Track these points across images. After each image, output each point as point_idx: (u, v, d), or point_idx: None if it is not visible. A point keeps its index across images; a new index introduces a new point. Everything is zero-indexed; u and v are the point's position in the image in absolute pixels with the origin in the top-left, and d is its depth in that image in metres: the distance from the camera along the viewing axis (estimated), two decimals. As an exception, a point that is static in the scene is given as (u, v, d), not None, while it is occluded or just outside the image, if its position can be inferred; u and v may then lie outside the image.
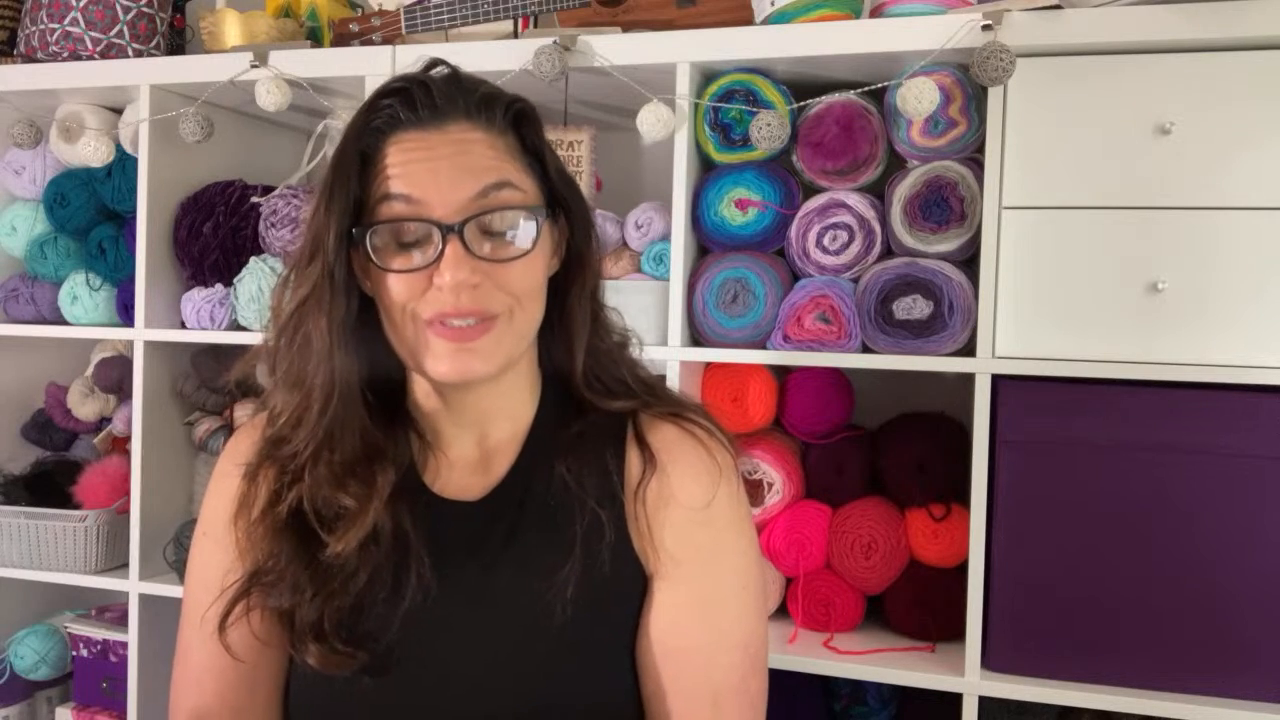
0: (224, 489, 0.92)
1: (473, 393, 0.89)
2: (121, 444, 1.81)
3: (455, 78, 0.87)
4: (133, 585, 1.64)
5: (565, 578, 0.85)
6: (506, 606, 0.87)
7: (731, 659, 0.88)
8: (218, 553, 0.91)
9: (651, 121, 1.37)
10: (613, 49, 1.39)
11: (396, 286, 0.83)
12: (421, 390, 0.92)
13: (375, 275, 0.85)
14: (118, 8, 1.64)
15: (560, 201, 0.90)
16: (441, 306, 0.82)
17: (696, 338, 1.45)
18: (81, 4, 1.62)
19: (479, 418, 0.92)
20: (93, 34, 1.63)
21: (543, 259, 0.87)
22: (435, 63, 0.89)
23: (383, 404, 0.90)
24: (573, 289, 0.91)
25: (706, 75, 1.43)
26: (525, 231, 0.84)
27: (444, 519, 0.89)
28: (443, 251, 0.81)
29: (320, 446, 0.85)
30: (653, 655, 0.88)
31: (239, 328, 1.63)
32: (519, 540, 0.88)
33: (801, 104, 1.39)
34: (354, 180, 0.84)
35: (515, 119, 0.87)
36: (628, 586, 0.89)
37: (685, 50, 1.38)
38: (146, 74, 1.60)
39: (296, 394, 0.87)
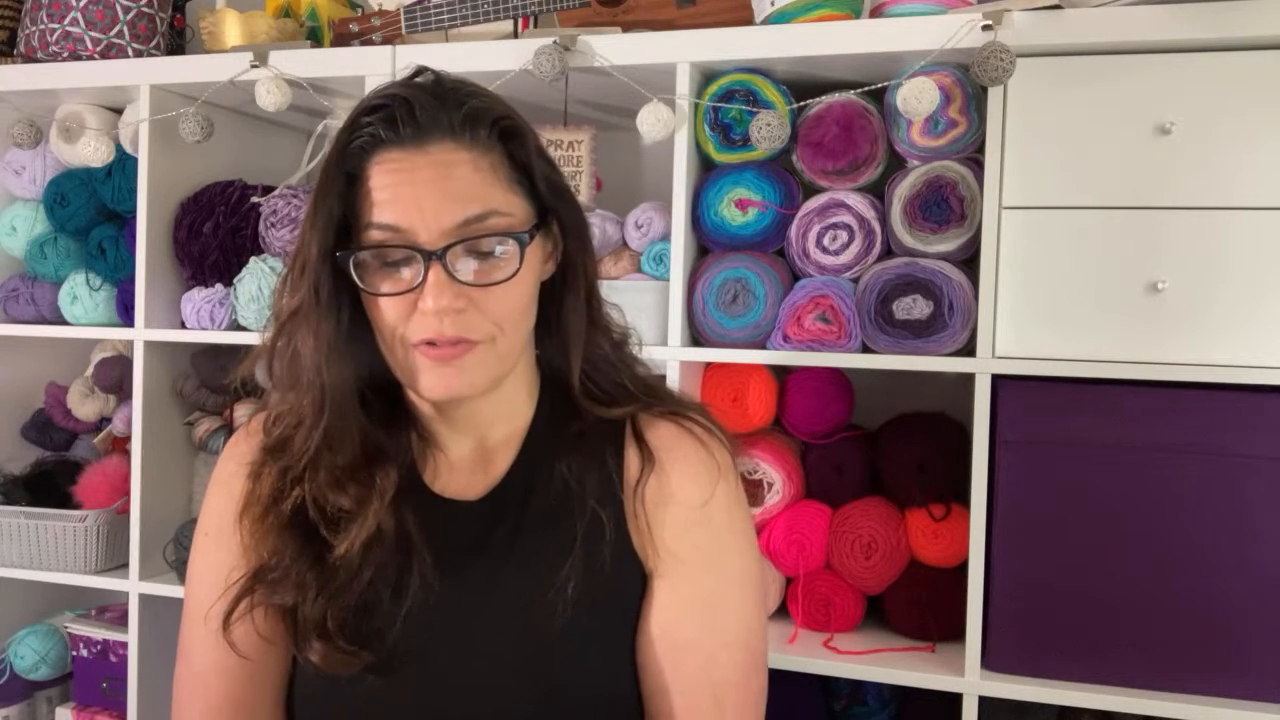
0: (227, 489, 0.92)
1: (466, 404, 0.89)
2: (121, 444, 1.81)
3: (439, 90, 0.85)
4: (133, 585, 1.64)
5: (566, 576, 0.86)
6: (508, 605, 0.87)
7: (732, 656, 0.88)
8: (220, 552, 0.91)
9: (651, 121, 1.37)
10: (613, 49, 1.39)
11: (383, 310, 0.83)
12: (416, 394, 0.92)
13: (364, 293, 0.85)
14: (118, 8, 1.64)
15: (551, 213, 0.89)
16: (426, 332, 0.82)
17: (696, 338, 1.45)
18: (81, 4, 1.62)
19: (475, 424, 0.92)
20: (93, 34, 1.63)
21: (528, 280, 0.86)
22: (420, 71, 0.87)
23: (383, 401, 0.90)
24: (567, 295, 0.91)
25: (706, 75, 1.43)
26: (509, 256, 0.84)
27: (445, 518, 0.89)
28: (425, 277, 0.81)
29: (319, 452, 0.86)
30: (654, 653, 0.89)
31: (239, 328, 1.63)
32: (520, 539, 0.89)
33: (801, 104, 1.39)
34: (337, 200, 0.83)
35: (501, 135, 0.85)
36: (628, 585, 0.90)
37: (685, 50, 1.38)
38: (146, 74, 1.60)
39: (291, 399, 0.88)
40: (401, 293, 0.82)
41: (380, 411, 0.89)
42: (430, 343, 0.83)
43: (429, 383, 0.84)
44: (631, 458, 0.91)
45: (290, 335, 0.86)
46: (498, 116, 0.86)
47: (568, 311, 0.91)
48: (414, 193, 0.81)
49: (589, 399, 0.92)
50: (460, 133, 0.83)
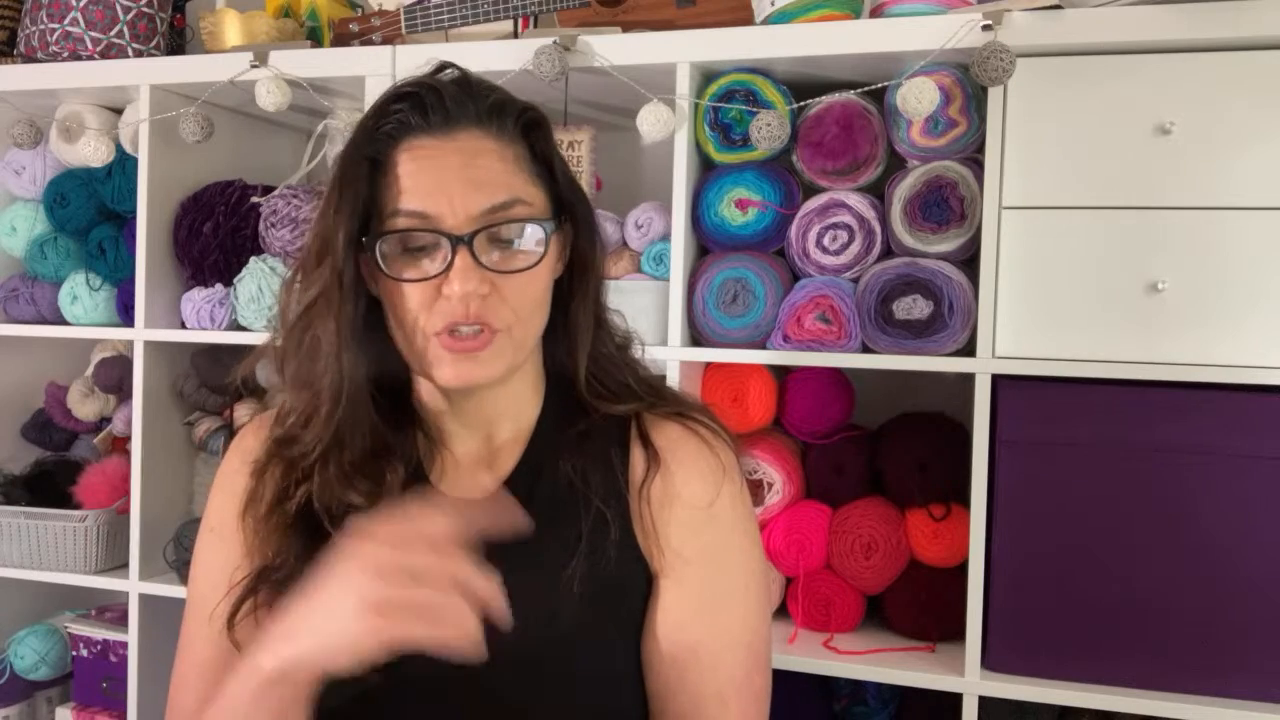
0: (231, 485, 0.93)
1: (476, 396, 0.90)
2: (121, 444, 1.81)
3: (466, 82, 0.87)
4: (133, 585, 1.64)
5: (571, 575, 0.86)
6: (513, 604, 0.87)
7: (737, 657, 0.89)
8: (224, 549, 0.91)
9: (651, 121, 1.37)
10: (613, 49, 1.39)
11: (406, 297, 0.84)
12: (426, 390, 0.92)
13: (384, 282, 0.85)
14: (118, 8, 1.64)
15: (567, 208, 0.90)
16: (451, 316, 0.83)
17: (696, 338, 1.45)
18: (81, 4, 1.62)
19: (483, 419, 0.92)
20: (93, 34, 1.63)
21: (548, 270, 0.88)
22: (444, 65, 0.89)
23: (390, 401, 0.90)
24: (576, 294, 0.92)
25: (706, 75, 1.43)
26: (533, 244, 0.85)
27: None
28: (452, 262, 0.82)
29: (329, 447, 0.86)
30: (658, 653, 0.89)
31: (239, 328, 1.63)
32: (525, 538, 0.88)
33: (801, 104, 1.39)
34: (363, 185, 0.84)
35: (526, 128, 0.88)
36: (633, 584, 0.90)
37: (685, 50, 1.38)
38: (146, 74, 1.60)
39: (305, 395, 0.88)
40: (427, 278, 0.83)
41: (388, 411, 0.90)
42: (453, 331, 0.83)
43: (446, 372, 0.85)
44: (636, 458, 0.91)
45: (305, 328, 0.86)
46: (523, 108, 0.88)
47: (576, 310, 0.92)
48: (441, 179, 0.82)
49: (594, 396, 0.92)
50: (488, 122, 0.85)
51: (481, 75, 0.90)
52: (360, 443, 0.86)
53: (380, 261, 0.83)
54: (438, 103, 0.84)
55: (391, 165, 0.84)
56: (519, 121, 0.87)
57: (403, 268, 0.84)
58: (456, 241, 0.81)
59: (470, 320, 0.83)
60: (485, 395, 0.90)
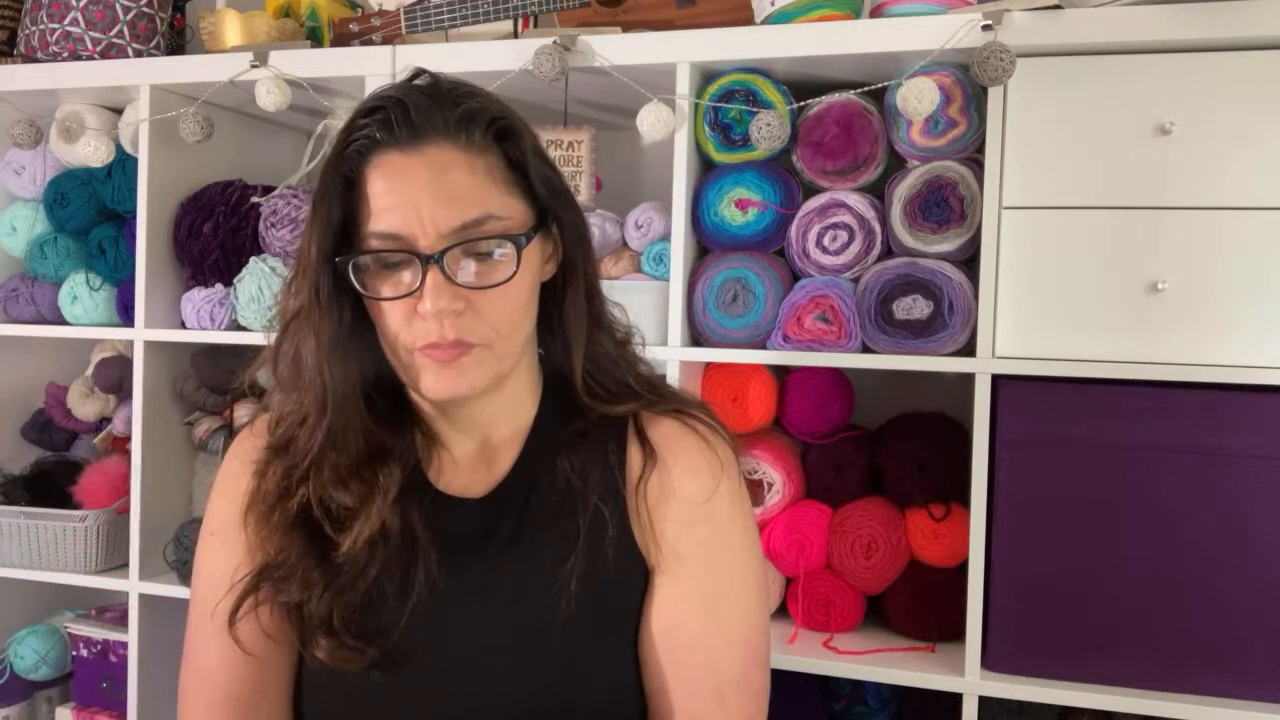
0: (232, 487, 0.93)
1: (468, 403, 0.90)
2: (121, 444, 1.81)
3: (436, 92, 0.85)
4: (133, 585, 1.64)
5: (569, 573, 0.86)
6: (512, 602, 0.88)
7: (734, 653, 0.89)
8: (225, 551, 0.92)
9: (651, 121, 1.37)
10: (613, 49, 1.39)
11: (385, 313, 0.84)
12: (418, 394, 0.92)
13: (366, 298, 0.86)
14: (118, 8, 1.64)
15: (549, 212, 0.89)
16: (428, 337, 0.83)
17: (696, 338, 1.45)
18: (81, 4, 1.62)
19: (477, 423, 0.93)
20: (93, 34, 1.63)
21: (527, 282, 0.87)
22: (418, 73, 0.88)
23: (387, 401, 0.91)
24: (568, 294, 0.92)
25: (706, 75, 1.43)
26: (506, 259, 0.84)
27: (449, 516, 0.90)
28: (423, 280, 0.81)
29: (323, 450, 0.87)
30: (655, 649, 0.89)
31: (239, 328, 1.63)
32: (523, 536, 0.89)
33: (801, 104, 1.39)
34: (336, 204, 0.84)
35: (497, 136, 0.86)
36: (631, 581, 0.90)
37: (685, 50, 1.38)
38: (146, 74, 1.60)
39: (295, 399, 0.89)
40: (401, 296, 0.83)
41: (385, 411, 0.90)
42: (432, 345, 0.83)
43: (430, 383, 0.85)
44: (634, 454, 0.92)
45: (293, 336, 0.87)
46: (494, 117, 0.86)
47: (569, 311, 0.92)
48: (411, 197, 0.82)
49: (592, 397, 0.93)
50: (456, 134, 0.83)
51: (480, 75, 0.89)
52: (353, 446, 0.87)
53: (355, 279, 0.83)
54: (404, 116, 0.82)
55: (362, 182, 0.83)
56: (489, 130, 0.85)
57: (380, 284, 0.84)
58: (427, 260, 0.81)
59: (446, 344, 0.82)
60: (477, 402, 0.90)
